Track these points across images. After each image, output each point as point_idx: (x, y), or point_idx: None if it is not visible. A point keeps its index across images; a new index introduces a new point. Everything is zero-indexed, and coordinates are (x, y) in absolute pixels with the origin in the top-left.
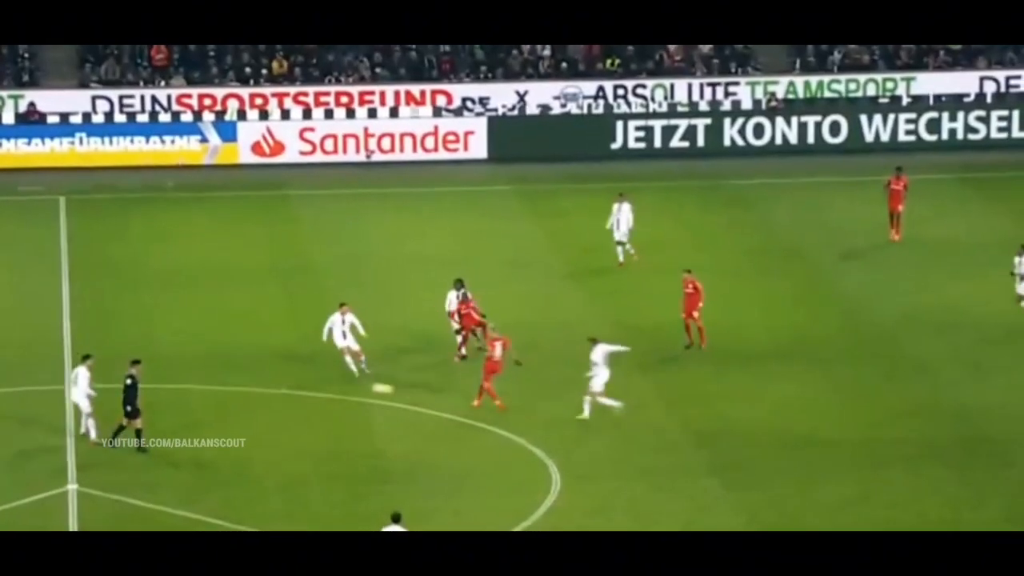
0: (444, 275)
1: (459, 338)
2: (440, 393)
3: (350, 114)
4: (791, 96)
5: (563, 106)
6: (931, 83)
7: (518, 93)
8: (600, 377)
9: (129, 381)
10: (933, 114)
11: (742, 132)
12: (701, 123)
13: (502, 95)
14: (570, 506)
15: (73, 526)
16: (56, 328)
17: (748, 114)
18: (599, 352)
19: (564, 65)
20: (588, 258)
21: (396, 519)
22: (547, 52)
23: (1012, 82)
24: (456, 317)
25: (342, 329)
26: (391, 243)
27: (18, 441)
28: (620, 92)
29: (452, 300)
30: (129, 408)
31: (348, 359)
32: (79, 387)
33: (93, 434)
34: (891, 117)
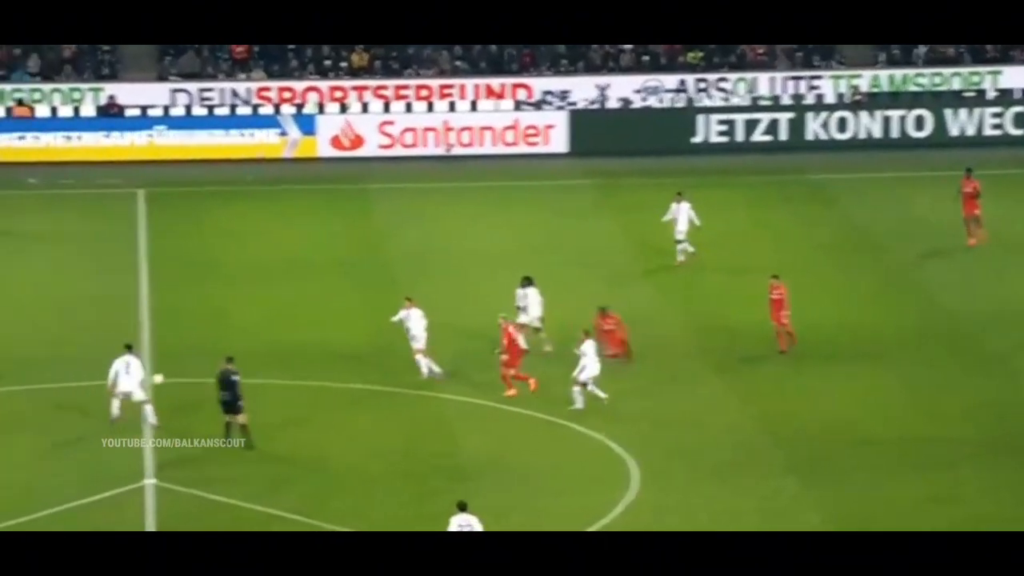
0: (520, 270)
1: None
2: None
3: (430, 107)
4: (875, 90)
5: (644, 100)
6: (1017, 77)
7: (599, 87)
8: (589, 370)
9: (236, 377)
10: (1019, 108)
11: (825, 126)
12: (784, 117)
13: (583, 89)
14: (648, 503)
15: (150, 521)
16: (132, 322)
17: (831, 108)
18: (589, 345)
19: (645, 58)
20: (666, 255)
21: (463, 507)
22: (628, 45)
23: None
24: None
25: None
26: (468, 238)
27: (95, 436)
28: (702, 86)
29: (528, 298)
30: (239, 403)
31: (419, 359)
32: (133, 376)
33: (153, 419)
34: (976, 111)
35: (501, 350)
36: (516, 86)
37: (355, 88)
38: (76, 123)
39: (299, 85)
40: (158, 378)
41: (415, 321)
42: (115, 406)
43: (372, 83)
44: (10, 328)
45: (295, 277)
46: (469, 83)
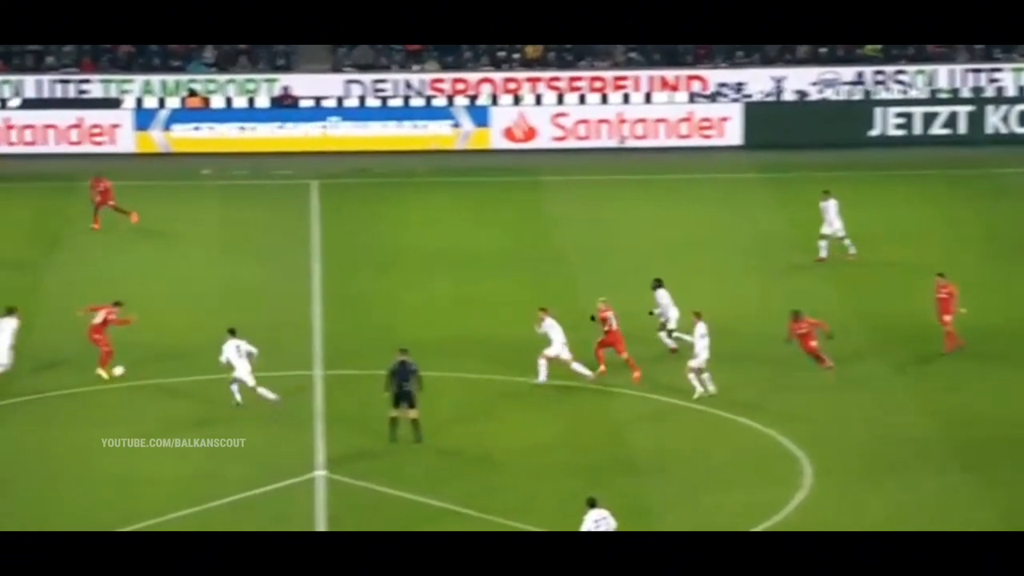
0: (689, 263)
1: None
2: (684, 381)
3: (603, 100)
4: None
5: (820, 92)
6: None
7: (774, 79)
8: (700, 356)
9: (414, 368)
10: None
11: (1005, 119)
12: (963, 110)
13: (758, 81)
14: (821, 502)
15: (320, 514)
16: (306, 313)
17: (1012, 101)
18: (700, 328)
19: (822, 50)
20: (839, 249)
21: (593, 504)
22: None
23: None
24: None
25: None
26: (639, 230)
27: (266, 426)
28: (879, 78)
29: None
30: (415, 397)
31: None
32: (243, 364)
33: (272, 396)
34: None
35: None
36: (691, 78)
37: (529, 80)
38: (250, 114)
39: (473, 76)
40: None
41: (554, 331)
42: (236, 391)
43: (546, 75)
44: (184, 318)
45: (466, 269)
46: (643, 75)
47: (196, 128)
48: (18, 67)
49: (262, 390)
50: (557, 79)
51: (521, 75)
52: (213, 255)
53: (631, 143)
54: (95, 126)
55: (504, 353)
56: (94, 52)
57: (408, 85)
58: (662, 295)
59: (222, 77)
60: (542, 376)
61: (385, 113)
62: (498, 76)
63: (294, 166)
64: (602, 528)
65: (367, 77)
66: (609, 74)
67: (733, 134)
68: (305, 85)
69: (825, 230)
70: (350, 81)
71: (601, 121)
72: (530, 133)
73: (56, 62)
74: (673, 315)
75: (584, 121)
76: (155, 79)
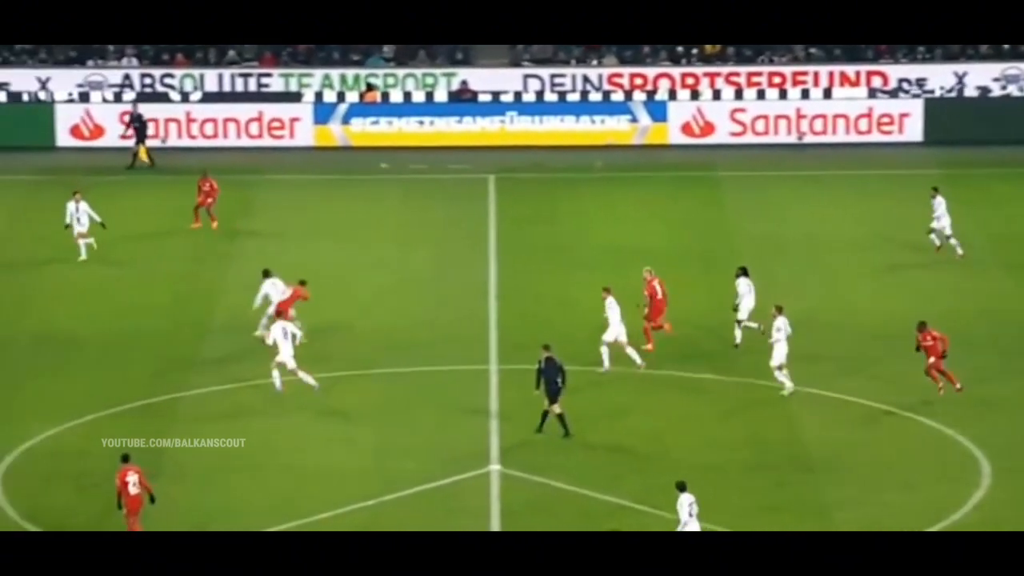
0: (866, 260)
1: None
2: (859, 379)
3: (782, 95)
4: None
5: (1003, 88)
6: None
7: (956, 75)
8: (777, 353)
9: (559, 363)
10: None
11: None
12: None
13: (940, 76)
14: (1000, 501)
15: (494, 508)
16: (482, 307)
17: None
18: (781, 322)
19: (1005, 47)
20: (1022, 246)
21: (683, 487)
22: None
23: None
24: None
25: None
26: (816, 226)
27: (442, 420)
28: None
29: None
30: (561, 392)
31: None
32: (287, 346)
33: (312, 381)
34: None
35: (645, 303)
36: (871, 73)
37: (707, 75)
38: (429, 108)
39: (651, 71)
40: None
41: (612, 312)
42: (277, 378)
43: (724, 70)
44: (361, 312)
45: (642, 263)
46: (823, 70)
47: (374, 122)
48: (200, 61)
49: (303, 374)
50: (736, 74)
51: (699, 70)
52: (390, 248)
53: (809, 139)
54: (275, 120)
55: (675, 348)
56: (275, 47)
57: (586, 80)
58: (742, 284)
59: (401, 71)
60: (606, 364)
61: (563, 108)
62: (676, 71)
63: (471, 160)
64: (694, 513)
65: (545, 72)
66: (788, 69)
67: (913, 130)
68: (483, 79)
69: (934, 225)
70: (528, 76)
71: (780, 117)
72: (708, 128)
73: (237, 56)
74: (747, 305)
75: (762, 116)
76: (334, 73)
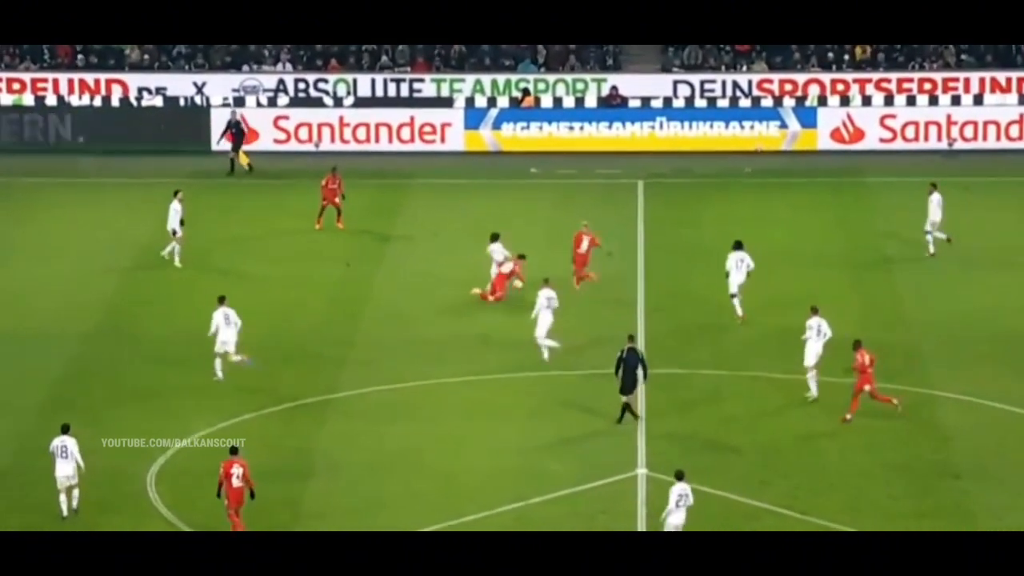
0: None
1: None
2: (1007, 383)
3: (933, 101)
4: None
5: None
6: None
7: None
8: (810, 354)
9: (640, 356)
10: None
11: None
12: None
13: None
14: None
15: (641, 511)
16: (631, 310)
17: None
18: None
19: None
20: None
21: (680, 476)
22: None
23: None
24: None
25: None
26: (966, 233)
27: (589, 423)
28: None
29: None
30: (637, 383)
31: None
32: (232, 327)
33: (247, 359)
34: None
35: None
36: (1022, 79)
37: (856, 81)
38: (579, 113)
39: (800, 77)
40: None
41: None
42: (241, 358)
43: (874, 76)
44: (510, 315)
45: (791, 268)
46: (974, 76)
47: (525, 127)
48: (353, 66)
49: (236, 357)
50: (886, 80)
51: (849, 76)
52: (540, 252)
53: (960, 145)
54: (426, 124)
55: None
56: (427, 52)
57: (736, 85)
58: (731, 259)
59: (551, 77)
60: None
61: (712, 113)
62: (826, 77)
63: (621, 165)
64: (683, 504)
65: (695, 77)
66: (939, 75)
67: None
68: (633, 85)
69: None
70: (678, 81)
71: (929, 123)
72: (857, 135)
73: (390, 62)
74: (736, 279)
75: (912, 123)
76: (486, 79)
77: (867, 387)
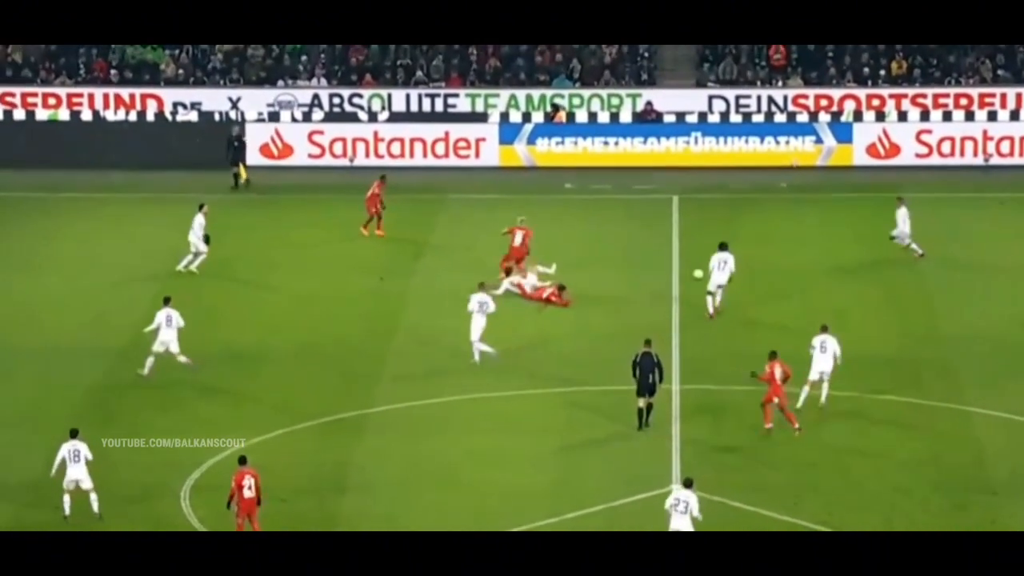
0: None
1: None
2: None
3: (969, 116)
4: None
5: None
6: None
7: None
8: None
9: (656, 359)
10: None
11: None
12: None
13: None
14: None
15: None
16: (666, 326)
17: None
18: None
19: None
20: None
21: (688, 484)
22: None
23: None
24: None
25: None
26: (1001, 249)
27: (624, 439)
28: None
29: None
30: (656, 386)
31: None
32: (173, 327)
33: (189, 361)
34: None
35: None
36: None
37: (892, 96)
38: (614, 128)
39: (836, 93)
40: (698, 273)
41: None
42: (149, 364)
43: (910, 91)
44: (544, 331)
45: (825, 283)
46: (1011, 92)
47: (560, 142)
48: (388, 81)
49: (182, 357)
50: (922, 95)
51: (885, 91)
52: (574, 268)
53: (996, 161)
54: (461, 139)
55: (859, 368)
56: (461, 67)
57: (771, 101)
58: (715, 259)
59: (586, 92)
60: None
61: (747, 129)
62: (862, 92)
63: (656, 180)
64: (681, 511)
65: (730, 92)
66: (975, 91)
67: None
68: (668, 100)
69: (895, 233)
70: (713, 96)
71: (966, 138)
72: (893, 150)
73: (425, 77)
74: (716, 280)
75: (949, 138)
76: (520, 93)
77: (776, 399)
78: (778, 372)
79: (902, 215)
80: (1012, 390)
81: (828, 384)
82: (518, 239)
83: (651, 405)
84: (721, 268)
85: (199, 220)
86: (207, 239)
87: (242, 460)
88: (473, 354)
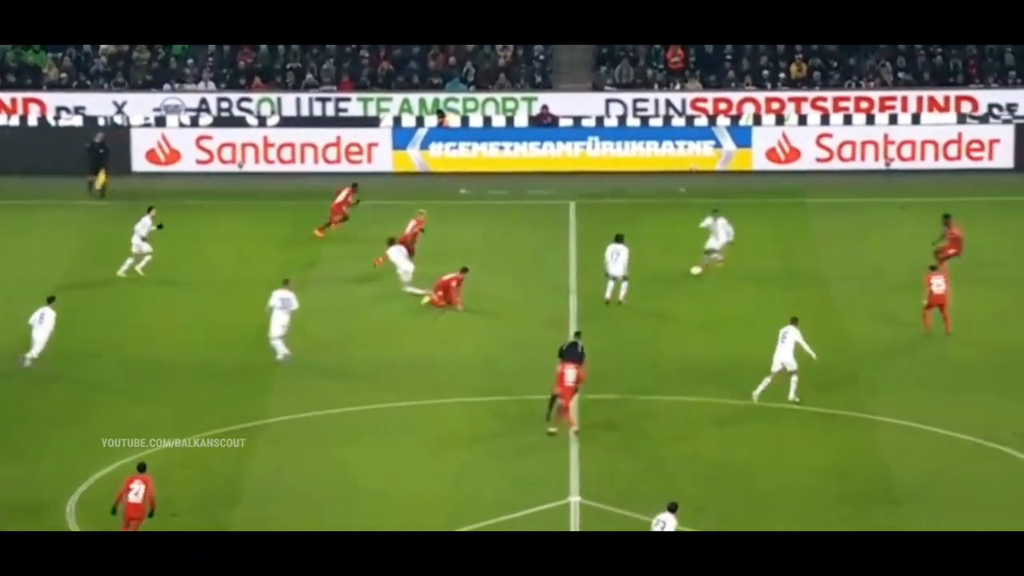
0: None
1: None
2: (949, 409)
3: (870, 120)
4: None
5: None
6: None
7: None
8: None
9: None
10: None
11: None
12: None
13: None
14: None
15: None
16: (563, 333)
17: None
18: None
19: None
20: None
21: (672, 508)
22: None
23: None
24: None
25: None
26: (903, 254)
27: (523, 449)
28: None
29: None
30: None
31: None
32: (45, 327)
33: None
34: None
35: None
36: (960, 98)
37: (792, 99)
38: (509, 133)
39: (735, 96)
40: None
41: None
42: (28, 356)
43: (810, 94)
44: (442, 340)
45: (727, 289)
46: (911, 95)
47: (454, 147)
48: (278, 85)
49: (33, 354)
50: (822, 99)
51: (785, 95)
52: (472, 274)
53: (897, 165)
54: (353, 144)
55: (758, 377)
56: (352, 70)
57: (669, 104)
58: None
59: (481, 96)
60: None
61: (645, 133)
62: (761, 96)
63: (552, 185)
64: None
65: (628, 96)
66: (876, 94)
67: (1004, 156)
68: (565, 104)
69: (711, 244)
70: (610, 100)
71: (867, 142)
72: (793, 154)
73: (315, 80)
74: (613, 271)
75: (849, 142)
76: (413, 97)
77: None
78: (570, 375)
79: (720, 224)
80: (915, 398)
81: (796, 377)
82: (409, 226)
83: (555, 398)
84: (614, 259)
85: (145, 222)
86: (144, 240)
87: (141, 467)
88: (275, 353)
